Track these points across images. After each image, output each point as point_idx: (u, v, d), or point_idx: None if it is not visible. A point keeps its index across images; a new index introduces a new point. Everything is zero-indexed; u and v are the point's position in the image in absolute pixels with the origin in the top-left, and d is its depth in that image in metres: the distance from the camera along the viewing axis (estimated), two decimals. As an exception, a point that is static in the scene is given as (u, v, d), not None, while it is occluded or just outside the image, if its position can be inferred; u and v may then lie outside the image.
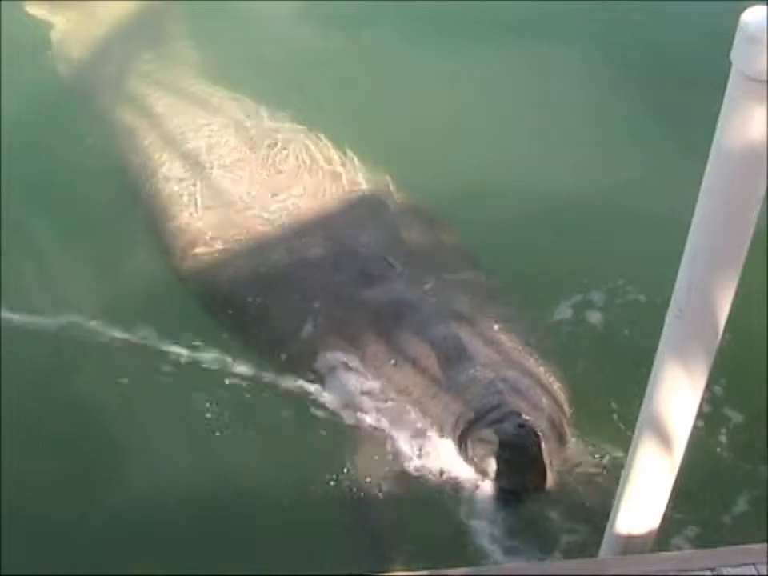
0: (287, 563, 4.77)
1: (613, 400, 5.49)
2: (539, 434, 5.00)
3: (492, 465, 5.05)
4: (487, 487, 5.11)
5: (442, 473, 5.19)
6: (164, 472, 5.31)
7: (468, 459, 5.13)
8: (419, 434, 5.28)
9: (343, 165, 6.64)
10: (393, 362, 5.48)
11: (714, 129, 3.23)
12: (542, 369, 5.51)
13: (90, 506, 5.17)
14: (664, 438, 3.70)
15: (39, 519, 5.04)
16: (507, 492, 5.11)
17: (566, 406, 5.42)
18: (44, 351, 5.77)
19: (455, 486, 5.16)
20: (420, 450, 5.25)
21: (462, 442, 5.16)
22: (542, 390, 5.37)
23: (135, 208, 6.66)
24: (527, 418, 5.06)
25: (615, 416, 5.42)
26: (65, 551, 4.94)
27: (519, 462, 5.03)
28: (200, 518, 5.11)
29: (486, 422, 5.10)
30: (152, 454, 5.40)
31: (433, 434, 5.25)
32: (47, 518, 5.06)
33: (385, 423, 5.34)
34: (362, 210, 6.36)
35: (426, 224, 6.34)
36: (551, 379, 5.49)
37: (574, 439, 5.36)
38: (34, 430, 5.47)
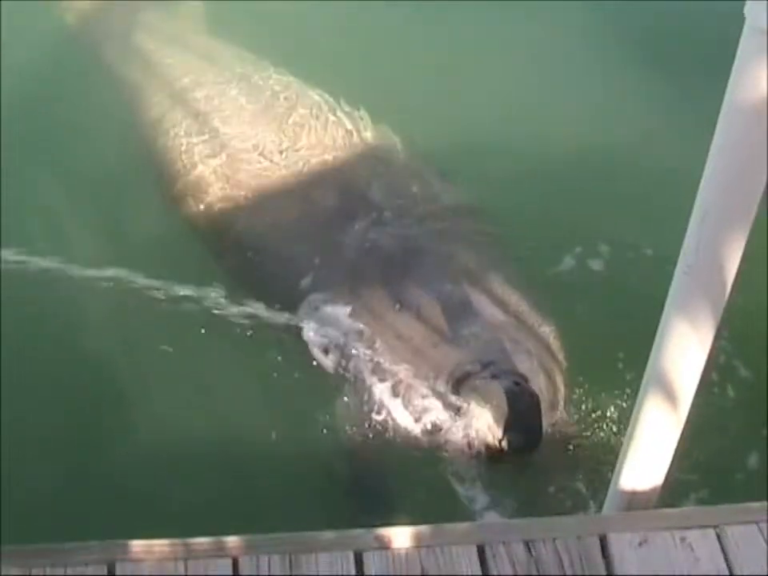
0: (290, 518, 4.77)
1: (619, 351, 5.47)
2: (536, 393, 4.96)
3: (483, 419, 5.04)
4: (478, 442, 5.11)
5: (434, 424, 5.18)
6: (165, 420, 5.30)
7: (460, 411, 5.12)
8: (416, 383, 5.25)
9: (349, 119, 6.64)
10: (397, 307, 5.48)
11: (725, 83, 3.19)
12: (543, 327, 5.51)
13: (88, 453, 5.17)
14: (670, 395, 3.70)
15: (36, 468, 5.04)
16: (496, 449, 5.07)
17: (563, 367, 5.43)
18: (46, 297, 5.74)
19: (447, 438, 5.15)
20: (415, 399, 5.23)
21: (455, 393, 5.14)
22: (542, 350, 5.38)
23: (141, 157, 6.66)
24: (525, 377, 5.05)
25: (621, 365, 5.41)
26: (62, 502, 4.95)
27: (512, 421, 4.96)
28: (199, 468, 5.10)
29: (483, 375, 5.08)
30: (153, 401, 5.41)
31: (429, 383, 5.24)
32: (44, 465, 5.05)
33: (384, 370, 5.33)
34: (369, 163, 6.36)
35: (432, 177, 6.35)
36: (552, 338, 5.49)
37: (572, 403, 5.36)
38: (33, 374, 5.46)
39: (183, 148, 6.49)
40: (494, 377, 5.03)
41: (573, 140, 6.68)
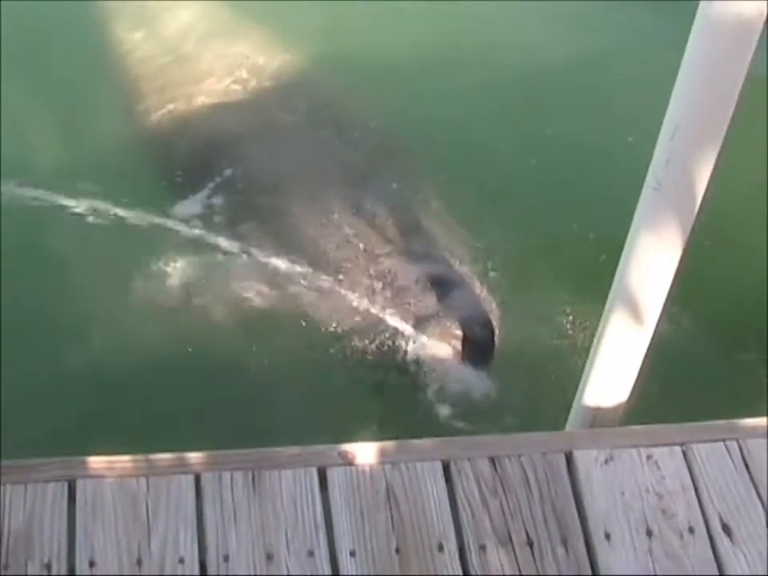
0: (256, 432, 4.76)
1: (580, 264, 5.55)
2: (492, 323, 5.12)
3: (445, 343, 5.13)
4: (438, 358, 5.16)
5: (398, 337, 5.23)
6: (125, 336, 5.29)
7: (422, 329, 5.19)
8: (372, 286, 5.34)
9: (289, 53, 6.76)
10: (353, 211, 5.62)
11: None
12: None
13: (48, 371, 5.15)
14: (636, 311, 3.68)
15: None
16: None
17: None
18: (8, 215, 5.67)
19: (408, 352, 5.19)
20: (372, 303, 5.30)
21: (417, 305, 5.23)
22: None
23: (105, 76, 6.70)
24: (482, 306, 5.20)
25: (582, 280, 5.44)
26: (22, 419, 4.89)
27: (473, 349, 5.13)
28: (165, 386, 5.10)
29: (450, 303, 5.18)
30: (112, 317, 5.38)
31: (387, 289, 5.31)
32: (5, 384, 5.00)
33: (338, 271, 5.41)
34: (316, 86, 6.58)
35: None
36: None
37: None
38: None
39: (143, 68, 6.65)
40: (462, 308, 5.17)
41: (543, 52, 6.64)
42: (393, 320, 5.18)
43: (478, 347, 5.10)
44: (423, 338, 5.11)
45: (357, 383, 5.20)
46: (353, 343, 5.22)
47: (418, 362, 5.13)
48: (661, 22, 6.50)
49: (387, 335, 5.18)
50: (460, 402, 5.07)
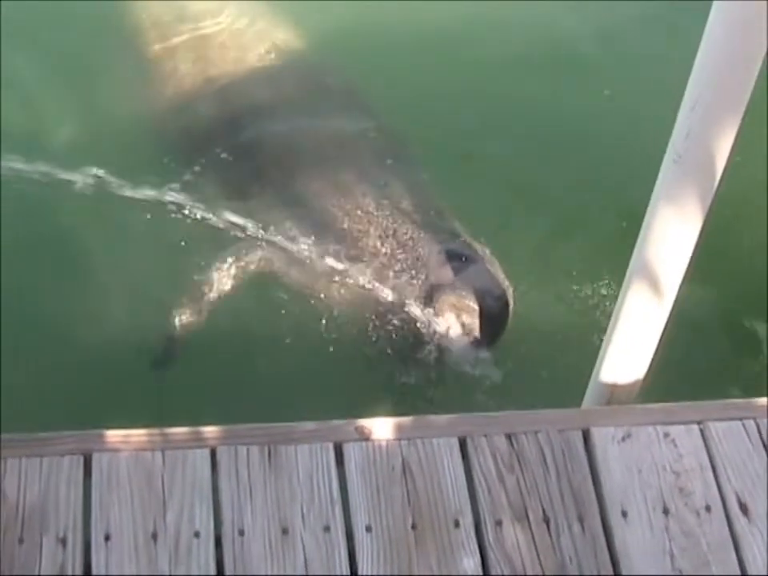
0: (263, 409, 4.75)
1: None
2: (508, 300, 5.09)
3: (453, 319, 5.10)
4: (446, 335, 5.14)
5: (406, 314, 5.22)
6: (140, 309, 5.27)
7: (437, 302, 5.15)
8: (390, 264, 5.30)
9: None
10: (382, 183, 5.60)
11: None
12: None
13: (62, 343, 5.12)
14: (654, 286, 3.66)
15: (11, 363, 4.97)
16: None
17: None
18: (20, 192, 5.64)
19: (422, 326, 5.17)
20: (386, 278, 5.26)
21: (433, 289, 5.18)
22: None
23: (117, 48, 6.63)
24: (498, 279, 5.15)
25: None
26: (36, 396, 4.89)
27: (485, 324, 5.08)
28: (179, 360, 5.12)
29: (464, 276, 5.15)
30: (128, 294, 5.35)
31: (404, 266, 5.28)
32: (19, 362, 5.00)
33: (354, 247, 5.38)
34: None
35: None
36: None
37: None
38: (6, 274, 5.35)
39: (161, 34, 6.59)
40: (472, 280, 5.12)
41: (565, 26, 6.62)
42: (408, 293, 5.16)
43: (491, 320, 5.06)
44: (437, 312, 5.10)
45: (370, 357, 5.19)
46: (366, 317, 5.19)
47: (431, 335, 5.12)
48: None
49: (401, 308, 5.16)
50: (473, 377, 5.07)
